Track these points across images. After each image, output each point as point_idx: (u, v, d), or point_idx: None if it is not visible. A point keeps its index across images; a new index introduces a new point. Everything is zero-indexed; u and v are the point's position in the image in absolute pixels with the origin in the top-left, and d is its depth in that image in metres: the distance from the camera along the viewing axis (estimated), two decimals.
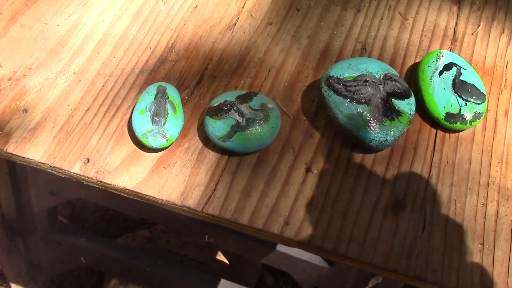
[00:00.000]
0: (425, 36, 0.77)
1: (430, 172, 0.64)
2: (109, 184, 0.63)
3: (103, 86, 0.70)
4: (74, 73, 0.71)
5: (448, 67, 0.68)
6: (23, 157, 0.63)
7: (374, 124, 0.61)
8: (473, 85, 0.64)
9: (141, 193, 0.62)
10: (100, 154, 0.64)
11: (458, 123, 0.63)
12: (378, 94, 0.62)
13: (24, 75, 0.71)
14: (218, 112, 0.63)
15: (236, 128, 0.61)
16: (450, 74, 0.66)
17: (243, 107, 0.62)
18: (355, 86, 0.62)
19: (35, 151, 0.65)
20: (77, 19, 0.78)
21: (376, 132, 0.60)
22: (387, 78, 0.63)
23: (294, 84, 0.70)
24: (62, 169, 0.64)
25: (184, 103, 0.68)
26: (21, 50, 0.74)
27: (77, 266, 1.26)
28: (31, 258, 1.21)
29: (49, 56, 0.74)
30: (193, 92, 0.70)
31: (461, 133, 0.66)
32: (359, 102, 0.61)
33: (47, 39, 0.75)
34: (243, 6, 0.79)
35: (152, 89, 0.67)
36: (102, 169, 0.63)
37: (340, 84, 0.62)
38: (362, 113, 0.61)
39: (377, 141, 0.61)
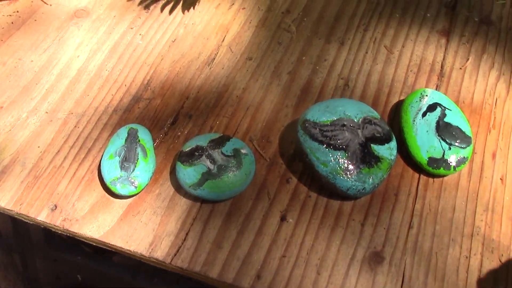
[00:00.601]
0: (411, 71, 0.74)
1: (411, 221, 0.61)
2: (76, 233, 0.61)
3: (75, 126, 0.68)
4: (46, 112, 0.69)
5: (432, 107, 0.65)
6: None
7: (352, 171, 0.58)
8: (458, 128, 0.61)
9: (109, 243, 0.60)
10: (68, 200, 0.62)
11: (442, 168, 0.60)
12: (356, 140, 0.59)
13: None
14: (189, 158, 0.60)
15: (207, 175, 0.59)
16: (434, 116, 0.63)
17: (215, 153, 0.60)
18: (331, 131, 0.60)
19: (2, 196, 0.63)
20: (52, 54, 0.76)
21: (353, 180, 0.57)
22: (366, 121, 0.60)
23: (273, 124, 0.68)
24: (28, 216, 0.62)
25: (157, 145, 0.66)
26: None
27: (74, 283, 1.24)
28: (28, 274, 1.20)
29: (22, 94, 0.72)
30: (167, 133, 0.68)
31: (445, 178, 0.63)
32: (335, 148, 0.59)
33: (20, 75, 0.73)
34: (223, 40, 0.77)
35: (123, 132, 0.65)
36: (70, 216, 0.61)
37: (316, 128, 0.59)
38: (339, 160, 0.58)
39: (354, 189, 0.58)
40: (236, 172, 0.60)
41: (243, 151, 0.62)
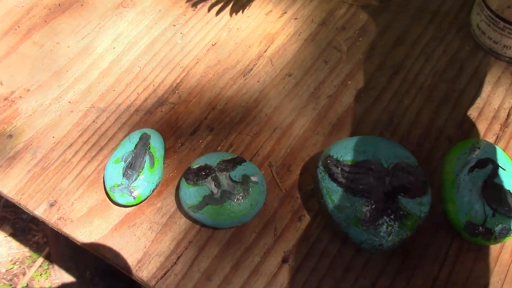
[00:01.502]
0: (469, 114, 0.64)
1: None
2: (68, 234, 0.58)
3: (93, 121, 0.65)
4: (69, 102, 0.67)
5: (482, 163, 0.55)
6: None
7: (369, 224, 0.50)
8: (509, 192, 0.51)
9: (98, 252, 0.56)
10: (69, 198, 0.59)
11: (480, 237, 0.51)
12: (381, 188, 0.51)
13: (21, 96, 0.68)
14: (194, 176, 0.55)
15: (209, 200, 0.53)
16: (482, 173, 0.54)
17: (222, 176, 0.54)
18: (355, 173, 0.52)
19: (7, 182, 0.61)
20: (89, 42, 0.73)
21: (369, 233, 0.50)
22: (398, 168, 0.52)
23: (298, 152, 0.61)
24: (27, 208, 0.59)
25: (170, 155, 0.61)
26: (25, 69, 0.71)
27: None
28: (76, 245, 1.22)
29: (50, 80, 0.70)
30: (184, 144, 0.63)
31: (483, 248, 0.54)
32: (355, 193, 0.51)
33: (54, 60, 0.72)
34: (266, 50, 0.71)
35: (135, 136, 0.61)
36: (66, 216, 0.58)
37: (338, 167, 0.52)
38: (356, 207, 0.51)
39: (369, 244, 0.50)
40: (240, 201, 0.54)
41: (253, 178, 0.55)
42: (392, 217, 0.52)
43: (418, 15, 0.74)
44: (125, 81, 0.68)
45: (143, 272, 0.54)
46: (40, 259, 1.37)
